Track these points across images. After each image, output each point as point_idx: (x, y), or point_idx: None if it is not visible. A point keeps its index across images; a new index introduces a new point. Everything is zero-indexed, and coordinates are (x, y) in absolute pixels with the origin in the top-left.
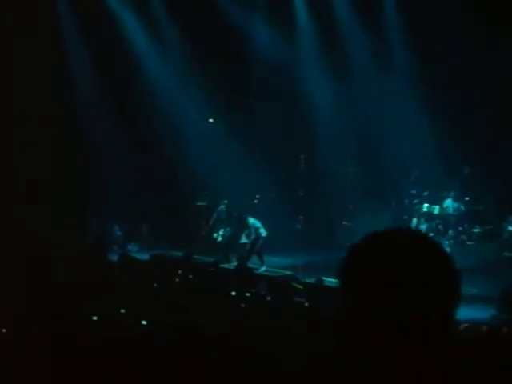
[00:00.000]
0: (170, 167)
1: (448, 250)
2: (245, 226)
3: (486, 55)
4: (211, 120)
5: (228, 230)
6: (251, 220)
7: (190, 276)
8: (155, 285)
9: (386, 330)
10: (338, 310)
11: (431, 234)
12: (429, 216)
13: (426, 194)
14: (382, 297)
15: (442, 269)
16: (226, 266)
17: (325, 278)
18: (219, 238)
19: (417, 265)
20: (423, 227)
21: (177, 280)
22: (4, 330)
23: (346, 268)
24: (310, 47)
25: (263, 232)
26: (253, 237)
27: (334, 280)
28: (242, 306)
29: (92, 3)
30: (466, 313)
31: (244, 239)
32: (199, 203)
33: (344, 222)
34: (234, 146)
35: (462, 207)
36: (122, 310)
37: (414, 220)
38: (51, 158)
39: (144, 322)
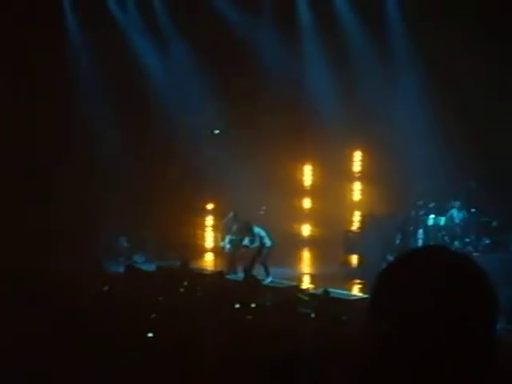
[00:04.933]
0: (177, 178)
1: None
2: (250, 233)
3: (490, 67)
4: (217, 131)
5: (234, 238)
6: (257, 229)
7: (198, 288)
8: (161, 298)
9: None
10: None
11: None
12: (435, 227)
13: (432, 205)
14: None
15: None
16: (232, 276)
17: (331, 289)
18: (226, 246)
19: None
20: (428, 238)
21: (181, 290)
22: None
23: (375, 294)
24: (314, 51)
25: (267, 242)
26: (255, 244)
27: (340, 291)
28: (249, 318)
29: (99, 18)
30: None
31: (246, 242)
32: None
33: (350, 234)
34: (241, 156)
35: (468, 218)
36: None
37: (420, 231)
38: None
39: (150, 335)
